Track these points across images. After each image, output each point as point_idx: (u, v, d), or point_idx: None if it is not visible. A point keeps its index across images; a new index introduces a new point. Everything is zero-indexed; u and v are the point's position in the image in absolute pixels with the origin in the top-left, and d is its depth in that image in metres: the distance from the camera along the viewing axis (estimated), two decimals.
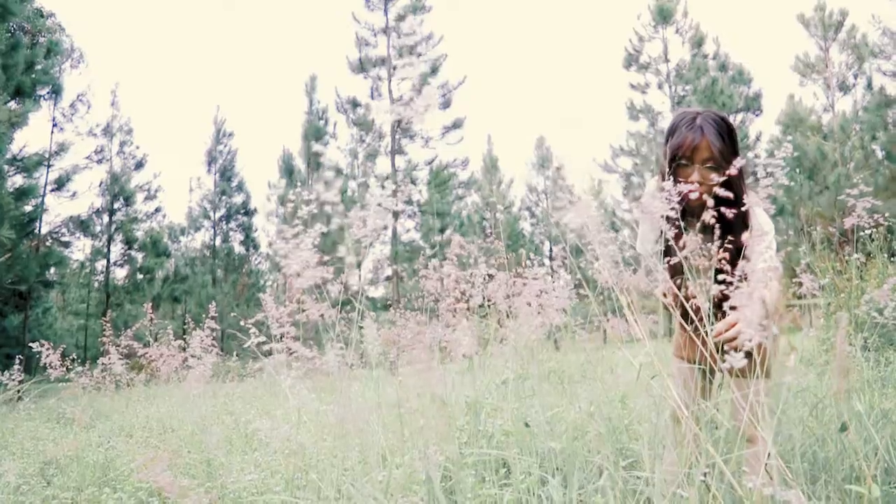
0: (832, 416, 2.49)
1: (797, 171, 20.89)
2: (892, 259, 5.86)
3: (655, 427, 3.02)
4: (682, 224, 1.84)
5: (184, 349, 3.27)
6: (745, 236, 1.66)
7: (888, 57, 21.83)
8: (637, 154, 28.26)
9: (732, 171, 1.72)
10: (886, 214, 2.20)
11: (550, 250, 37.27)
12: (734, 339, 1.71)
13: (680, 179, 1.93)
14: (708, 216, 1.68)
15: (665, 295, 2.14)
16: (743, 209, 1.84)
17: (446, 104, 23.85)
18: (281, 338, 1.97)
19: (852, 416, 2.69)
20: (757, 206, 1.96)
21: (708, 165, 1.95)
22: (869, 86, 23.56)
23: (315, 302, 1.96)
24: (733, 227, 1.84)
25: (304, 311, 1.98)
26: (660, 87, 27.88)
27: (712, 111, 2.01)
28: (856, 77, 24.45)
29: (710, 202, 1.72)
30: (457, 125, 23.94)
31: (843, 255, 5.74)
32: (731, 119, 2.04)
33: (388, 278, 27.67)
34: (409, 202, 23.11)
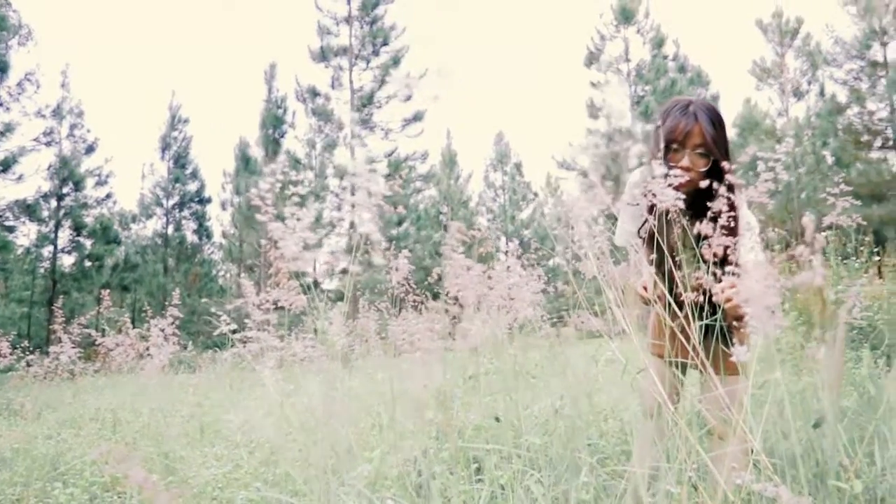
0: (800, 412, 2.50)
1: (750, 173, 21.29)
2: (845, 261, 5.99)
3: (622, 424, 3.01)
4: (671, 212, 1.82)
5: (144, 338, 3.13)
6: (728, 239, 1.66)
7: (840, 65, 22.43)
8: (595, 151, 28.48)
9: (726, 165, 1.72)
10: (855, 216, 2.22)
11: (507, 245, 37.34)
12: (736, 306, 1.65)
13: (670, 164, 1.94)
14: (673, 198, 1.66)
15: (646, 288, 2.12)
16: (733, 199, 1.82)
17: (407, 96, 23.71)
18: (262, 326, 1.88)
19: (819, 412, 2.71)
20: (742, 203, 1.95)
21: (699, 151, 1.95)
22: (821, 93, 24.21)
23: (295, 290, 1.87)
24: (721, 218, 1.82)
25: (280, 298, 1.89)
26: (620, 86, 28.18)
27: (704, 100, 2.01)
28: (809, 84, 25.10)
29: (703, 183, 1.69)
30: (417, 118, 23.81)
31: (797, 257, 5.83)
32: (720, 112, 2.03)
33: (343, 271, 27.44)
34: (368, 194, 22.88)
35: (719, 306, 1.83)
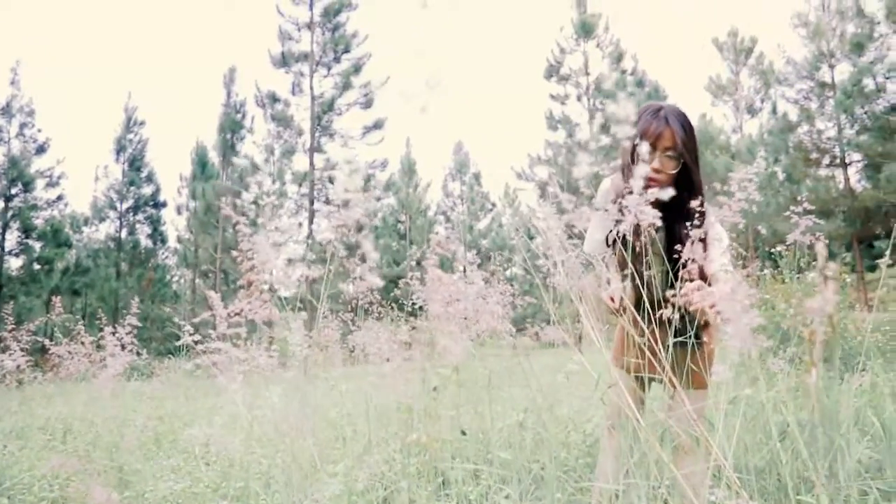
0: (761, 425, 2.54)
1: (707, 188, 21.74)
2: (798, 276, 6.14)
3: (584, 436, 3.03)
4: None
5: (100, 347, 3.04)
6: (697, 246, 1.69)
7: (791, 85, 23.06)
8: (554, 164, 28.80)
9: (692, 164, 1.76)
10: (819, 234, 2.27)
11: (465, 256, 37.42)
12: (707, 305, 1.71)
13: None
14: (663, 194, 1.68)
15: (612, 299, 2.13)
16: (700, 205, 1.85)
17: (368, 104, 23.61)
18: (227, 337, 1.84)
19: (779, 425, 2.76)
20: (711, 215, 1.99)
21: (668, 154, 1.99)
22: (774, 111, 24.87)
23: (265, 302, 1.83)
24: (688, 219, 1.87)
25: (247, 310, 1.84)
26: (579, 99, 28.51)
27: (674, 106, 2.05)
28: (762, 101, 25.78)
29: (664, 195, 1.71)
30: (378, 126, 23.73)
31: (752, 271, 5.97)
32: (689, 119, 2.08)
33: (303, 278, 27.10)
34: (326, 202, 22.73)
35: (688, 316, 1.85)
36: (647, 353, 1.91)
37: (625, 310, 2.09)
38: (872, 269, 23.12)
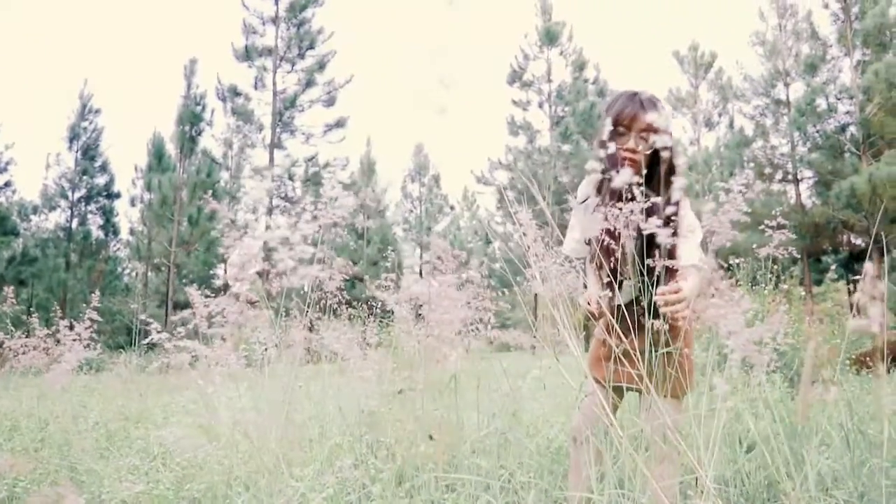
0: (726, 436, 2.58)
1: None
2: (753, 287, 6.28)
3: (549, 441, 3.03)
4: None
5: (58, 341, 2.94)
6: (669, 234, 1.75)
7: (748, 101, 23.62)
8: (514, 168, 28.98)
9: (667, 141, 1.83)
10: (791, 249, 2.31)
11: (421, 257, 37.52)
12: (675, 304, 1.81)
13: (618, 147, 2.08)
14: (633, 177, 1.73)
15: (589, 302, 2.14)
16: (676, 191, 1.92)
17: (331, 102, 23.43)
18: (206, 337, 1.79)
19: (743, 435, 2.80)
20: (686, 205, 2.08)
21: (644, 136, 2.09)
22: (731, 125, 25.46)
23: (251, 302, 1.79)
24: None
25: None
26: (540, 105, 28.73)
27: (648, 92, 2.17)
28: (720, 115, 26.36)
29: (637, 179, 1.76)
30: (340, 124, 23.57)
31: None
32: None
33: (258, 274, 26.74)
34: (284, 198, 22.50)
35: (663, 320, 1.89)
36: (624, 361, 1.93)
37: (602, 315, 2.11)
38: (819, 283, 23.80)
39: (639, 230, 1.92)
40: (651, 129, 2.07)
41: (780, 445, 2.39)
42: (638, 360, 1.85)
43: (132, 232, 26.19)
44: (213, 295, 2.08)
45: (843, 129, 21.20)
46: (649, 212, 1.97)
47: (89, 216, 26.07)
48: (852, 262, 23.55)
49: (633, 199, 1.83)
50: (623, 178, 1.63)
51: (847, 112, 21.19)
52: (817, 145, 21.71)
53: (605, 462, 2.06)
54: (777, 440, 2.34)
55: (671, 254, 1.94)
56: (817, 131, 21.15)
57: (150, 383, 8.89)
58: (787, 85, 23.47)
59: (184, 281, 24.35)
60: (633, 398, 2.40)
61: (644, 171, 2.10)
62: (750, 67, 24.44)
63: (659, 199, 1.85)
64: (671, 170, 2.01)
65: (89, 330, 2.86)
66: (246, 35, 22.81)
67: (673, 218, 1.83)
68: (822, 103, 21.36)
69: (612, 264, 2.06)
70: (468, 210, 44.53)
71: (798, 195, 22.60)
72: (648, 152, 2.08)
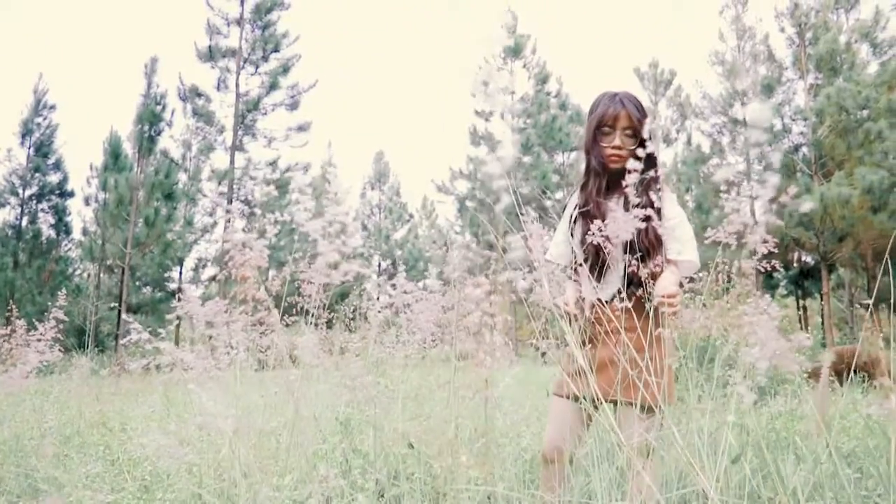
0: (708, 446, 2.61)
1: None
2: (716, 300, 6.42)
3: (519, 451, 3.03)
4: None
5: (27, 343, 2.84)
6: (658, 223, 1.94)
7: (706, 118, 24.14)
8: (474, 178, 29.11)
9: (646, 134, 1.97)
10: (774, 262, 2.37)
11: (379, 265, 37.41)
12: (672, 296, 1.91)
13: (602, 144, 2.22)
14: (630, 179, 1.84)
15: (567, 304, 2.16)
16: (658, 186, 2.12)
17: (294, 106, 23.24)
18: (210, 338, 1.75)
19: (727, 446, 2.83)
20: (671, 196, 2.22)
21: (627, 133, 2.22)
22: (689, 142, 25.96)
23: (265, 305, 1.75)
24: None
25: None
26: (502, 116, 28.92)
27: (628, 92, 2.28)
28: (678, 132, 26.85)
29: (632, 165, 1.83)
30: (303, 128, 23.39)
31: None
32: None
33: (212, 278, 26.36)
34: (245, 202, 22.21)
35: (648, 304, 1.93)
36: (594, 375, 1.93)
37: (576, 317, 2.12)
38: (771, 298, 24.35)
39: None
40: (633, 126, 2.21)
41: (753, 458, 2.43)
42: (613, 369, 1.88)
43: (85, 232, 25.51)
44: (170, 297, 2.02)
45: (796, 149, 21.82)
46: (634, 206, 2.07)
47: (40, 214, 25.33)
48: (802, 279, 24.21)
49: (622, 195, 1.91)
50: (616, 166, 1.70)
51: (801, 133, 21.82)
52: (771, 165, 22.27)
53: (571, 486, 2.08)
54: (754, 452, 2.38)
55: (658, 243, 2.08)
56: (772, 150, 21.69)
57: (103, 385, 8.67)
58: (744, 104, 24.04)
59: (138, 283, 23.83)
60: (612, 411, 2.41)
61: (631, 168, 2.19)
62: (709, 86, 25.02)
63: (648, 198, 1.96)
64: (653, 164, 2.13)
65: (54, 330, 2.77)
66: (210, 35, 22.52)
67: (656, 205, 1.98)
68: (777, 123, 21.95)
69: (595, 257, 2.15)
70: (427, 219, 44.52)
71: (752, 212, 23.10)
72: (633, 148, 2.18)
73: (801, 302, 25.10)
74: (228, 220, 21.03)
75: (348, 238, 1.40)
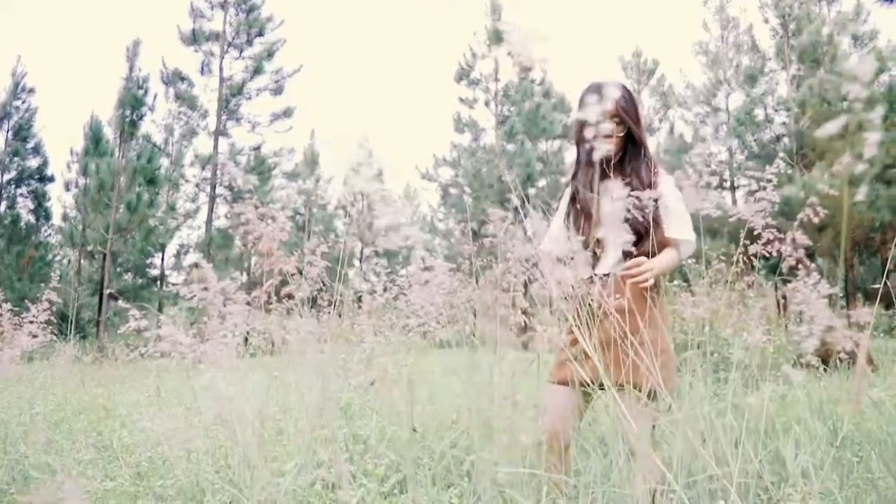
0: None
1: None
2: (709, 290, 6.44)
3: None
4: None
5: (18, 326, 2.78)
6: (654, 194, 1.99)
7: (689, 108, 24.24)
8: (458, 166, 29.05)
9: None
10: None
11: (361, 252, 37.28)
12: (639, 276, 2.00)
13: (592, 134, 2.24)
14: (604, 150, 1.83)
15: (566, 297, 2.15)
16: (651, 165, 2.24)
17: (278, 91, 23.03)
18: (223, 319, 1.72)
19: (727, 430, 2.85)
20: (663, 173, 2.30)
21: (615, 120, 2.26)
22: (671, 131, 26.08)
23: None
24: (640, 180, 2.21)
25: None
26: (487, 104, 28.86)
27: (614, 80, 2.35)
28: (661, 121, 26.98)
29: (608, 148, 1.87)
30: (287, 114, 23.20)
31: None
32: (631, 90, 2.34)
33: (194, 265, 26.16)
34: (229, 187, 22.02)
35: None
36: (590, 358, 1.92)
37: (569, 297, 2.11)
38: (749, 285, 24.59)
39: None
40: (619, 112, 2.26)
41: (757, 442, 2.44)
42: (607, 352, 1.89)
43: (65, 217, 25.19)
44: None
45: (777, 139, 21.96)
46: (630, 188, 2.11)
47: (19, 199, 24.97)
48: (782, 268, 24.42)
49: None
50: (601, 152, 1.72)
51: (783, 123, 21.97)
52: (754, 154, 22.42)
53: (569, 471, 2.08)
54: (755, 437, 2.39)
55: (655, 224, 2.10)
56: (755, 140, 21.85)
57: (86, 372, 8.58)
58: (727, 94, 24.18)
59: (119, 269, 23.59)
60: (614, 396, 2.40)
61: (618, 153, 2.31)
62: (692, 75, 25.18)
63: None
64: (642, 147, 2.27)
65: (46, 312, 2.72)
66: (193, 18, 22.23)
67: (650, 188, 2.07)
68: (759, 114, 22.08)
69: (587, 232, 2.19)
70: (410, 206, 44.43)
71: (734, 202, 23.30)
72: (621, 135, 2.26)
73: (778, 291, 25.33)
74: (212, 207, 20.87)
75: (402, 207, 1.37)
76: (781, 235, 1.86)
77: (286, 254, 1.74)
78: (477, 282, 2.47)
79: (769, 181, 1.80)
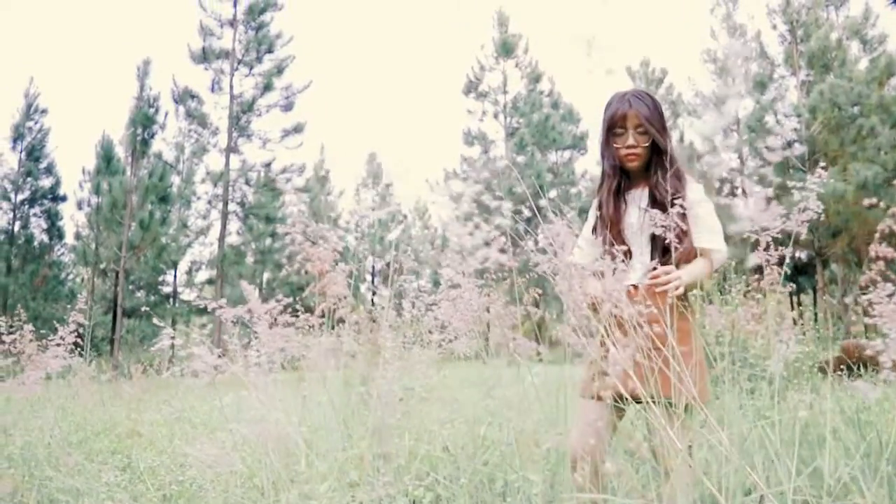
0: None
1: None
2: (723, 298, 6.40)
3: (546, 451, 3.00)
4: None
5: (44, 349, 2.78)
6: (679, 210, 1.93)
7: (699, 116, 24.21)
8: (468, 179, 29.09)
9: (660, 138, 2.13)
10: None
11: (373, 267, 37.31)
12: (668, 284, 1.95)
13: (617, 145, 2.25)
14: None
15: (595, 308, 2.11)
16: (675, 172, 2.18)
17: (289, 107, 23.17)
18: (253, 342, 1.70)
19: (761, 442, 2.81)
20: (692, 182, 2.23)
21: (639, 131, 2.22)
22: (681, 139, 26.03)
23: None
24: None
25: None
26: (496, 116, 28.92)
27: (637, 89, 2.31)
28: (670, 130, 26.98)
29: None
30: (298, 129, 23.31)
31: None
32: (657, 98, 2.34)
33: (209, 281, 26.25)
34: (241, 204, 22.12)
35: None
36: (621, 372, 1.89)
37: (596, 309, 2.08)
38: (763, 293, 24.44)
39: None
40: (644, 122, 2.21)
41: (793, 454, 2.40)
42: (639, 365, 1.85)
43: (78, 236, 25.33)
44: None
45: (789, 145, 21.86)
46: (655, 199, 2.15)
47: (32, 219, 25.17)
48: (796, 275, 24.31)
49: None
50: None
51: (794, 129, 21.90)
52: (766, 161, 22.35)
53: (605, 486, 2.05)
54: (790, 449, 2.35)
55: (682, 235, 2.04)
56: (766, 147, 21.80)
57: (102, 390, 8.59)
58: (736, 102, 24.16)
59: (131, 287, 23.69)
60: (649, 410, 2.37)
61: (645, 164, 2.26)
62: (701, 84, 25.16)
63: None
64: (667, 156, 2.20)
65: (73, 335, 2.72)
66: (203, 37, 22.44)
67: (677, 198, 2.00)
68: (770, 120, 22.05)
69: (617, 240, 2.17)
70: (420, 219, 44.48)
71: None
72: (647, 145, 2.21)
73: (794, 297, 25.20)
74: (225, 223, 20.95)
75: (477, 226, 1.33)
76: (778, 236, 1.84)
77: (338, 275, 1.73)
78: (521, 301, 2.46)
79: (812, 190, 1.77)
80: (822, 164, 1.82)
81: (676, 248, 2.10)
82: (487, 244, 1.40)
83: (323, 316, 1.89)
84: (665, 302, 2.10)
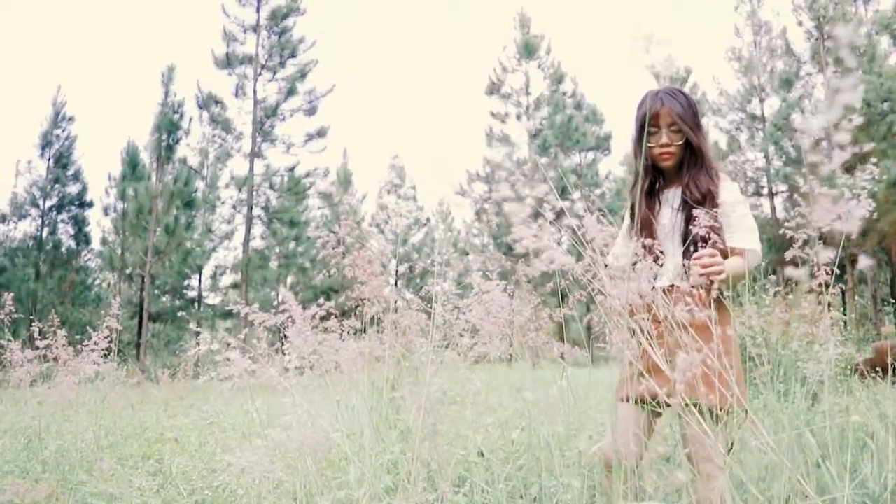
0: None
1: None
2: (754, 298, 6.32)
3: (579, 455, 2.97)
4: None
5: (78, 353, 2.81)
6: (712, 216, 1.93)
7: (724, 115, 23.98)
8: (491, 181, 29.05)
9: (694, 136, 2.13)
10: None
11: (396, 270, 37.35)
12: (711, 267, 1.87)
13: (650, 144, 2.22)
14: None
15: (633, 312, 2.07)
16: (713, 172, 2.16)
17: (312, 111, 23.31)
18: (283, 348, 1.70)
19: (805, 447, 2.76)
20: (729, 186, 2.18)
21: (673, 129, 2.19)
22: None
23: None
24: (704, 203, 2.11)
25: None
26: (519, 118, 28.86)
27: (670, 87, 2.27)
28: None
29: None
30: (321, 133, 23.44)
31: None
32: (691, 95, 2.30)
33: (234, 285, 26.46)
34: (265, 208, 22.28)
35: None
36: (658, 372, 1.85)
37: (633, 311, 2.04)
38: (789, 293, 24.16)
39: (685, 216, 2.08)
40: (678, 120, 2.19)
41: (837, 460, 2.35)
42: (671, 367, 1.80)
43: (104, 242, 25.66)
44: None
45: (817, 143, 21.58)
46: (687, 198, 2.13)
47: (60, 225, 25.52)
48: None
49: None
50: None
51: (822, 127, 21.58)
52: (792, 160, 22.09)
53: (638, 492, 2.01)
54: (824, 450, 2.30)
55: (716, 234, 2.00)
56: (792, 145, 21.53)
57: (128, 395, 8.66)
58: (762, 100, 23.86)
59: (157, 292, 23.94)
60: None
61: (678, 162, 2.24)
62: (726, 82, 24.91)
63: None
64: (701, 155, 2.17)
65: (107, 339, 2.73)
66: (226, 42, 22.63)
67: (709, 197, 2.04)
68: (796, 118, 21.76)
69: (651, 239, 2.11)
70: (443, 222, 44.45)
71: (773, 208, 22.93)
72: (680, 143, 2.19)
73: (821, 296, 24.79)
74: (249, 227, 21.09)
75: (541, 227, 1.27)
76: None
77: (381, 278, 1.71)
78: (565, 301, 2.43)
79: (863, 188, 1.72)
80: (872, 160, 1.76)
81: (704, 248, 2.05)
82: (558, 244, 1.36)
83: (365, 321, 1.88)
84: (706, 301, 2.05)
